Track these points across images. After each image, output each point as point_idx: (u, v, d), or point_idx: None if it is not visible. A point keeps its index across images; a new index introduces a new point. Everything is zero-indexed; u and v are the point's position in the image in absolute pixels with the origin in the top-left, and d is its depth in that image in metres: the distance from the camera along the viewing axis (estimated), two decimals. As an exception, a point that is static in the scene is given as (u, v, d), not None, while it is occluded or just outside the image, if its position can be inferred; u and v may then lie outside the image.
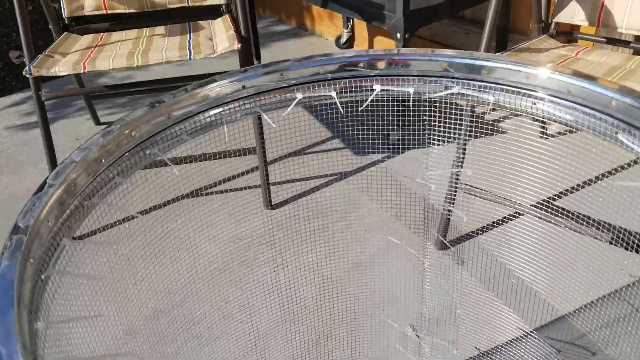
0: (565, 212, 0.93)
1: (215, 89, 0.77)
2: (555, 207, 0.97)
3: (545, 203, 1.01)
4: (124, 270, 0.83)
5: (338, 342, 1.10)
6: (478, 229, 0.92)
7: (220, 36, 1.65)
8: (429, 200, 0.91)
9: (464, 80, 0.80)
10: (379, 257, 1.02)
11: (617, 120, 0.68)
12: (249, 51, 1.66)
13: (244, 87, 0.79)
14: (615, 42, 1.65)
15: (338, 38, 2.93)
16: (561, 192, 1.13)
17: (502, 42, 2.16)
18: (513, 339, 0.91)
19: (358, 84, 0.83)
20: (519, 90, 0.77)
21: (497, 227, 0.90)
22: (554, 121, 0.75)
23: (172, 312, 0.98)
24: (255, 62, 2.67)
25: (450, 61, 0.80)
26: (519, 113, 0.79)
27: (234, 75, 0.78)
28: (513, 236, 0.86)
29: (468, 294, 0.97)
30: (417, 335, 1.34)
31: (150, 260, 0.82)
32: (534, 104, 0.76)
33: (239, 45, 1.52)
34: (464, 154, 0.89)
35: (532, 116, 0.77)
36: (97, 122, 2.36)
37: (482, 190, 0.88)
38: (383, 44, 2.77)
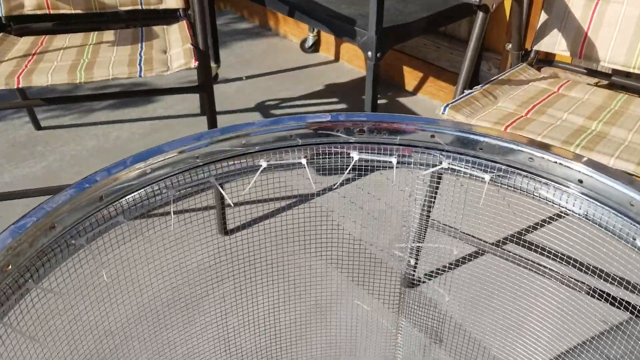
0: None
1: (159, 161, 0.63)
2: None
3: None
4: (54, 307, 0.69)
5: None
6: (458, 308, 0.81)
7: (176, 49, 1.50)
8: (406, 275, 0.79)
9: (455, 154, 0.69)
10: (341, 307, 0.92)
11: (637, 224, 0.58)
12: (207, 70, 1.51)
13: (197, 157, 0.65)
14: (596, 74, 1.57)
15: (303, 42, 2.79)
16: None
17: (476, 62, 2.06)
18: None
19: (333, 150, 0.71)
20: (520, 172, 0.66)
21: (478, 307, 0.80)
22: (565, 213, 0.64)
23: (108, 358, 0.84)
24: (214, 65, 2.51)
25: (441, 132, 0.69)
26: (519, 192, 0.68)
27: (186, 143, 0.65)
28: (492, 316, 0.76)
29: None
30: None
31: (86, 294, 0.68)
32: (535, 189, 0.66)
33: (196, 64, 1.37)
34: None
35: (533, 198, 0.66)
36: (38, 127, 2.16)
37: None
38: (350, 51, 2.65)
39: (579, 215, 0.63)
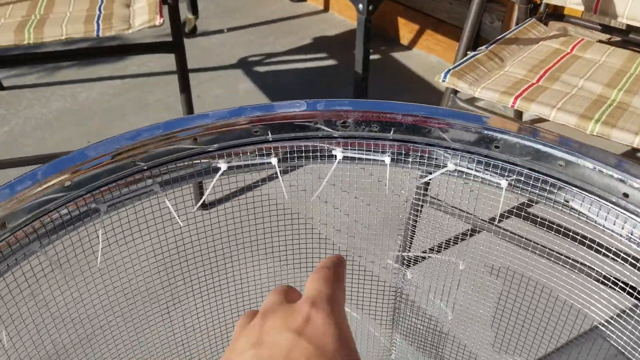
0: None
1: (84, 170, 0.48)
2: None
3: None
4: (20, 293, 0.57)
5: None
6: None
7: (140, 3, 1.32)
8: (401, 289, 0.67)
9: (464, 154, 0.55)
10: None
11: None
12: (177, 27, 1.34)
13: (133, 162, 0.51)
14: (611, 30, 1.41)
15: (289, -11, 2.58)
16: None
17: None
18: None
19: (311, 147, 0.57)
20: (547, 178, 0.52)
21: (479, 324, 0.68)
22: (602, 233, 0.51)
23: (77, 349, 0.72)
24: (191, 17, 2.31)
25: (446, 124, 0.54)
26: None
27: (119, 144, 0.50)
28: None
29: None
30: None
31: (55, 279, 0.56)
32: (567, 201, 0.52)
33: (161, 21, 1.20)
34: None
35: (563, 212, 0.53)
36: (1, 87, 1.98)
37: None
38: (341, 0, 2.45)
39: (620, 235, 0.50)
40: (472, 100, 1.28)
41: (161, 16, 1.21)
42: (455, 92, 1.16)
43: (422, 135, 0.55)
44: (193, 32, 2.33)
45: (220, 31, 2.39)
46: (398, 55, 2.23)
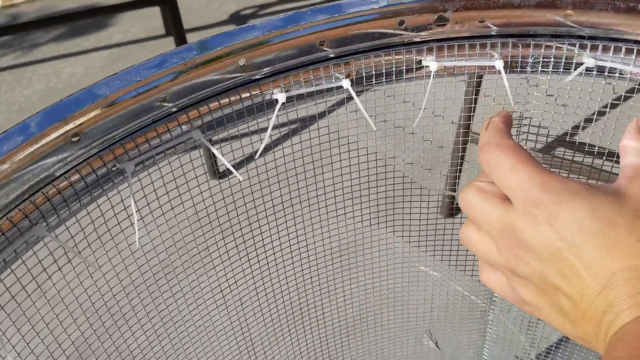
0: None
1: (94, 115, 0.34)
2: None
3: None
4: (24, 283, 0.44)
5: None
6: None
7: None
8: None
9: (606, 42, 0.40)
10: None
11: None
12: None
13: (163, 99, 0.36)
14: None
15: None
16: None
17: None
18: None
19: (392, 57, 0.42)
20: None
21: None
22: None
23: (97, 343, 0.59)
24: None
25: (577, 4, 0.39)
26: None
27: (139, 76, 0.35)
28: None
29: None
30: (435, 343, 1.01)
31: (61, 262, 0.43)
32: None
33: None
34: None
35: None
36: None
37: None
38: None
39: None
40: None
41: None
42: None
43: (545, 24, 0.41)
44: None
45: (205, -12, 2.20)
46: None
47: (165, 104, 0.36)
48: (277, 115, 0.41)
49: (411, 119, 0.45)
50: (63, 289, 0.42)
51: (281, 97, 0.40)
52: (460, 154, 0.49)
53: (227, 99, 0.39)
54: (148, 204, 0.46)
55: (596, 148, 0.47)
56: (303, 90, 0.41)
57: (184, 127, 0.38)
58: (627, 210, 0.27)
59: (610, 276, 0.26)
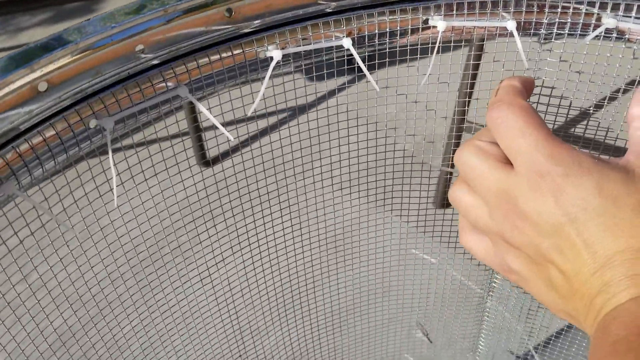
0: None
1: (64, 64, 0.30)
2: None
3: None
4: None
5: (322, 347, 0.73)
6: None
7: None
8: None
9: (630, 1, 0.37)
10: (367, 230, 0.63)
11: None
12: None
13: (142, 50, 0.32)
14: None
15: None
16: None
17: None
18: None
19: (397, 16, 0.39)
20: None
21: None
22: None
23: (81, 332, 0.55)
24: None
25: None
26: None
27: (115, 23, 0.31)
28: None
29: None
30: (427, 336, 0.99)
31: (46, 250, 0.39)
32: None
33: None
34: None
35: None
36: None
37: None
38: None
39: None
40: None
41: None
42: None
43: (563, -18, 0.38)
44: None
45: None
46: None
47: (144, 55, 0.33)
48: (270, 76, 0.37)
49: (414, 85, 0.42)
50: (45, 274, 0.39)
51: (276, 54, 0.37)
52: (459, 125, 0.46)
53: (217, 55, 0.36)
54: (139, 194, 0.42)
55: (610, 121, 0.44)
56: (301, 48, 0.38)
57: (169, 83, 0.35)
58: (635, 189, 0.26)
59: (611, 256, 0.25)
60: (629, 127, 0.30)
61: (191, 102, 0.36)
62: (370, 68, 0.42)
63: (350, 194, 0.57)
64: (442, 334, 0.80)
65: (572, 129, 0.47)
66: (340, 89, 0.59)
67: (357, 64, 0.38)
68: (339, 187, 0.55)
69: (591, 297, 0.25)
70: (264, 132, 0.48)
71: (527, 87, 0.31)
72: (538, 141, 0.27)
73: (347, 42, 0.38)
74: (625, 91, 0.43)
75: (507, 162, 0.29)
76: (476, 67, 0.48)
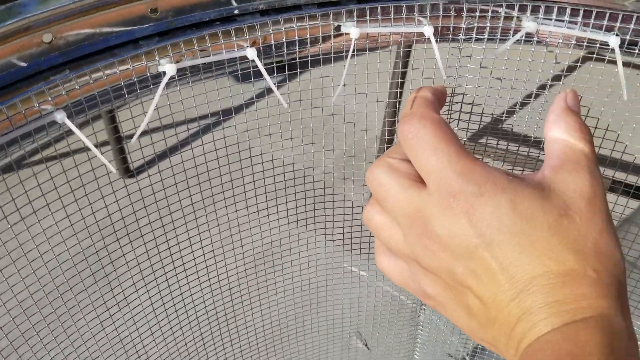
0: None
1: None
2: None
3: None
4: None
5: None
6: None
7: None
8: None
9: (550, 3, 0.35)
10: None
11: None
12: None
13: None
14: None
15: None
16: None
17: None
18: None
19: (306, 22, 0.35)
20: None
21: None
22: None
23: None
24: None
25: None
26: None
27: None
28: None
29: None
30: (365, 344, 0.96)
31: None
32: None
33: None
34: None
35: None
36: None
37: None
38: None
39: None
40: None
41: None
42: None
43: (480, -16, 0.35)
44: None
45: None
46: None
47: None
48: (166, 93, 0.33)
49: (330, 97, 0.38)
50: None
51: (170, 68, 0.32)
52: (387, 137, 0.43)
53: (100, 73, 0.31)
54: (51, 212, 0.37)
55: (535, 127, 0.42)
56: (199, 61, 0.33)
57: (45, 106, 0.30)
58: (550, 207, 0.24)
59: (529, 280, 0.24)
60: (545, 138, 0.28)
61: (110, 111, 0.31)
62: (292, 77, 0.38)
63: (277, 205, 0.53)
64: (377, 347, 0.78)
65: (484, 139, 0.45)
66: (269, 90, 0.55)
67: (281, 66, 0.34)
68: (263, 199, 0.51)
69: (511, 326, 0.24)
70: (188, 142, 0.44)
71: (439, 98, 0.29)
72: (450, 158, 0.25)
73: (251, 53, 0.34)
74: (537, 96, 0.42)
75: (420, 180, 0.26)
76: (403, 75, 0.45)
